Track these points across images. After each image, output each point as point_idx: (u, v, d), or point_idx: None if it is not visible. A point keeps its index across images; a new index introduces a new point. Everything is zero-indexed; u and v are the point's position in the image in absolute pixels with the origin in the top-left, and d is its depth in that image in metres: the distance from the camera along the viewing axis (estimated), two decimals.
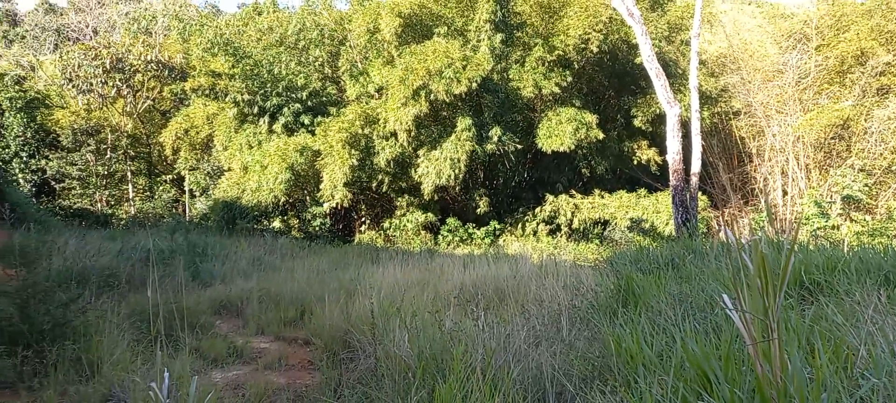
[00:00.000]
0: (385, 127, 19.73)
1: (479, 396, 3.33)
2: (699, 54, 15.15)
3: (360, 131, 20.02)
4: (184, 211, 26.39)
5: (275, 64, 22.27)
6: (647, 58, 14.30)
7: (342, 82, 23.76)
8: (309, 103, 22.22)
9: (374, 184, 21.23)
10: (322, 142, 19.99)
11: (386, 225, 21.82)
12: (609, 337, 3.84)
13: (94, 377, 5.39)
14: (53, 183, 25.46)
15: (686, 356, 2.97)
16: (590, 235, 21.18)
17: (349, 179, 19.47)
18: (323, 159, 19.89)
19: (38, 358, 5.83)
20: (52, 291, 7.19)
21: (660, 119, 21.71)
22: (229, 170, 22.82)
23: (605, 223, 21.54)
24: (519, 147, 21.23)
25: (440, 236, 21.21)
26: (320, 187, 20.08)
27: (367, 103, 21.46)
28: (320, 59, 23.88)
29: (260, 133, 22.02)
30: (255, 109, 21.84)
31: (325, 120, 21.29)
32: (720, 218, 22.44)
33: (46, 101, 26.43)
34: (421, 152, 20.25)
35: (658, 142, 22.93)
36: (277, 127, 21.69)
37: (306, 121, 21.74)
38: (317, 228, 21.36)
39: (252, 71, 21.71)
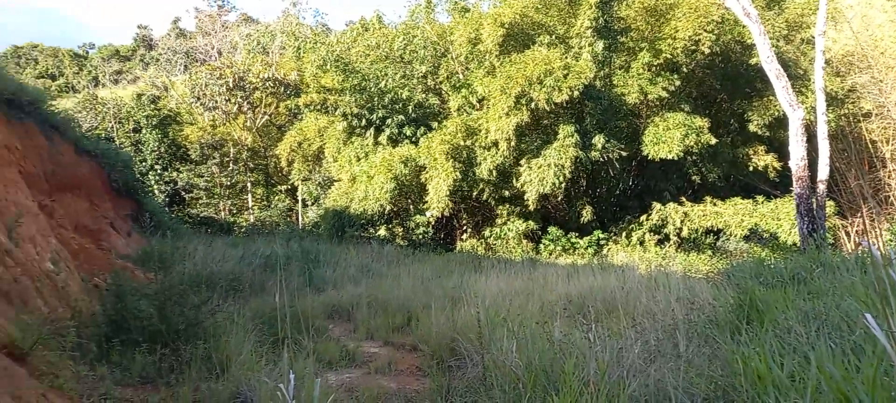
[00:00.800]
0: (486, 137, 19.87)
1: None
2: (823, 53, 14.02)
3: (461, 143, 20.30)
4: (297, 219, 27.89)
5: (381, 78, 23.09)
6: (766, 58, 13.44)
7: (444, 93, 24.23)
8: (412, 115, 22.84)
9: (474, 193, 21.42)
10: (426, 155, 20.46)
11: (487, 233, 21.91)
12: (733, 355, 3.65)
13: (223, 375, 5.79)
14: (183, 193, 27.79)
15: (823, 378, 2.77)
16: (701, 245, 20.12)
17: (453, 190, 19.78)
18: (427, 172, 20.34)
19: (174, 356, 6.33)
20: (186, 294, 7.85)
21: (778, 123, 20.26)
22: (338, 180, 23.86)
23: (718, 232, 20.39)
24: (623, 154, 20.62)
25: (542, 245, 21.00)
26: (425, 199, 20.53)
27: (468, 114, 21.72)
28: (423, 72, 24.47)
29: (366, 145, 22.88)
30: (363, 122, 22.74)
31: (429, 133, 21.76)
32: (849, 228, 20.58)
33: (177, 119, 28.94)
34: (522, 161, 20.20)
35: (776, 146, 21.39)
36: (383, 138, 22.45)
37: (409, 133, 22.35)
38: (420, 236, 21.86)
39: (359, 85, 22.64)
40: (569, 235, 21.04)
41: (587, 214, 21.36)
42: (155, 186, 26.62)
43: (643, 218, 20.99)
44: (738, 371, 3.54)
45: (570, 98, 18.73)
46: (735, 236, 19.23)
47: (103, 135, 24.09)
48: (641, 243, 20.18)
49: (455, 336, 6.94)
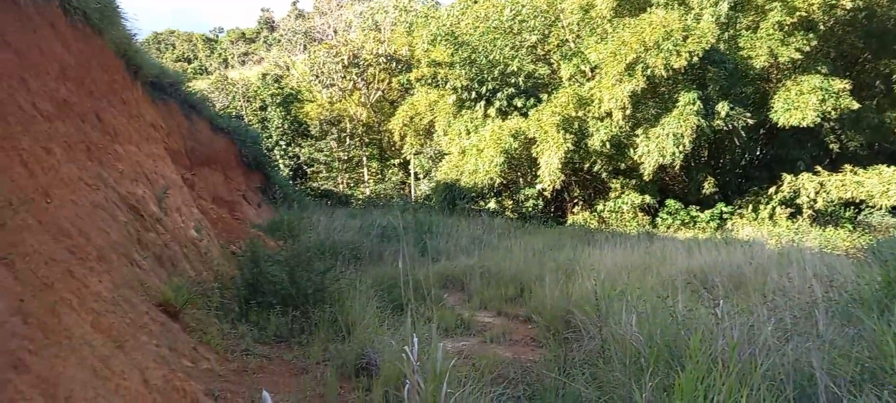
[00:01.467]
0: (599, 107, 19.26)
1: (723, 390, 3.14)
2: None
3: (573, 114, 19.81)
4: (410, 192, 28.70)
5: (490, 50, 22.99)
6: None
7: (554, 63, 23.71)
8: (522, 86, 22.59)
9: (586, 166, 20.91)
10: (536, 128, 20.20)
11: (599, 206, 21.37)
12: (883, 336, 3.34)
13: (348, 337, 6.12)
14: (305, 167, 29.43)
15: None
16: (839, 219, 18.40)
17: (564, 162, 19.43)
18: (538, 145, 20.09)
19: (303, 318, 6.79)
20: (312, 261, 8.35)
21: None
22: (449, 153, 24.21)
23: (859, 205, 18.53)
24: (750, 122, 19.23)
25: (659, 219, 20.17)
26: (535, 171, 20.33)
27: (579, 84, 21.14)
28: (532, 42, 24.06)
29: (476, 118, 22.97)
30: (472, 95, 22.82)
31: (538, 105, 21.44)
32: None
33: (298, 96, 30.55)
34: (638, 131, 19.40)
35: None
36: (492, 111, 22.42)
37: (519, 104, 22.14)
38: (530, 209, 21.74)
39: (469, 58, 22.69)
40: (688, 208, 20.05)
41: (709, 186, 20.22)
42: (280, 161, 28.35)
43: (772, 190, 19.52)
44: (889, 352, 3.24)
45: (689, 63, 17.67)
46: (879, 208, 17.40)
47: (234, 113, 25.96)
48: (771, 217, 18.79)
49: (570, 309, 6.88)
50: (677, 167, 19.97)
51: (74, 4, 7.44)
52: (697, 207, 20.09)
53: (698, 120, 18.08)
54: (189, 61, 60.72)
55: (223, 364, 5.28)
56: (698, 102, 18.22)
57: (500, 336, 7.22)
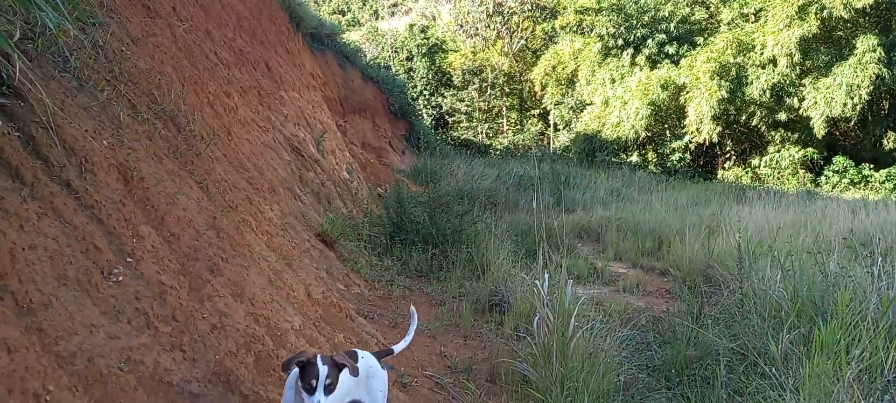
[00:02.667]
0: (761, 53, 17.61)
1: (867, 345, 2.99)
2: None
3: (730, 60, 18.30)
4: (548, 143, 28.43)
5: None
6: None
7: (711, 6, 21.92)
8: (674, 32, 21.21)
9: (743, 118, 19.33)
10: (687, 74, 18.97)
11: (755, 162, 19.76)
12: None
13: (483, 275, 6.45)
14: (447, 117, 30.17)
15: None
16: None
17: (716, 112, 18.12)
18: (688, 92, 18.90)
19: (442, 256, 7.24)
20: (451, 204, 8.78)
21: None
22: (591, 104, 23.55)
23: None
24: None
25: (823, 177, 18.25)
26: (683, 123, 19.20)
27: (740, 27, 19.39)
28: None
29: (622, 66, 22.03)
30: (619, 42, 21.87)
31: (692, 51, 20.04)
32: None
33: (443, 46, 31.10)
34: (806, 81, 17.52)
35: None
36: (640, 59, 21.36)
37: (671, 52, 20.86)
38: (676, 163, 20.68)
39: (617, 4, 21.68)
40: (860, 167, 17.89)
41: (889, 142, 17.87)
42: (423, 110, 29.27)
43: None
44: None
45: (874, 3, 15.52)
46: None
47: (382, 63, 27.15)
48: None
49: (710, 264, 6.66)
50: (852, 121, 17.81)
51: None
52: (872, 165, 17.85)
53: (879, 69, 15.92)
54: (343, 13, 63.71)
55: (371, 291, 5.85)
56: (880, 49, 16.01)
57: (633, 287, 7.17)
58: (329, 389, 2.02)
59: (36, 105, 2.34)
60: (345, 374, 2.25)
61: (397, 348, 2.90)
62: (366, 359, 2.55)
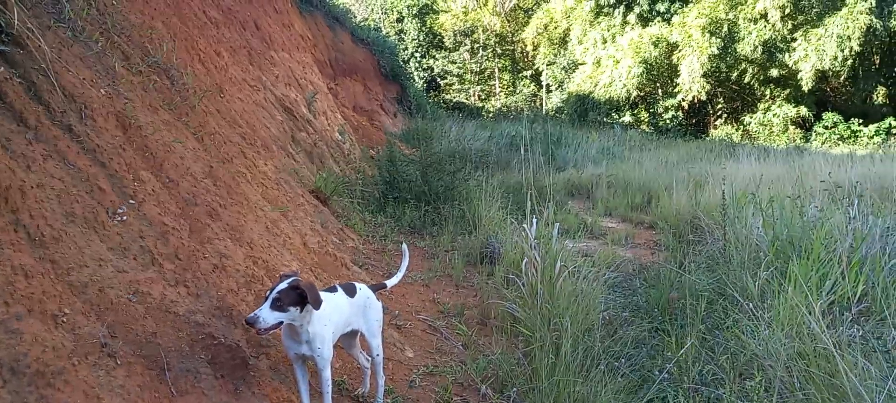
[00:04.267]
0: (753, 7, 17.56)
1: (838, 278, 3.15)
2: None
3: (722, 16, 18.26)
4: (541, 104, 28.42)
5: None
6: None
7: None
8: None
9: (734, 74, 19.38)
10: (679, 31, 18.93)
11: (746, 119, 19.89)
12: None
13: (475, 230, 6.60)
14: (438, 79, 30.04)
15: None
16: None
17: (707, 70, 18.15)
18: (680, 50, 18.89)
19: (435, 213, 7.37)
20: (443, 163, 8.89)
21: None
22: (583, 64, 23.50)
23: None
24: None
25: (813, 133, 18.42)
26: (675, 81, 19.23)
27: None
28: None
29: (614, 26, 21.94)
30: (611, 1, 21.73)
31: (683, 8, 19.96)
32: None
33: (433, 7, 30.78)
34: (798, 34, 17.52)
35: None
36: (632, 17, 21.27)
37: (663, 9, 20.77)
38: (667, 122, 20.78)
39: None
40: (849, 122, 18.06)
41: (879, 97, 18.00)
42: (415, 73, 29.11)
43: None
44: None
45: None
46: None
47: (373, 25, 26.90)
48: None
49: (697, 215, 6.82)
50: (842, 76, 17.89)
51: None
52: (861, 120, 18.02)
53: (869, 19, 15.94)
54: None
55: (365, 245, 5.98)
56: (871, 0, 16.02)
57: (622, 240, 7.34)
58: (276, 304, 2.09)
59: (35, 52, 2.41)
60: (343, 302, 2.38)
61: (390, 282, 3.08)
62: (363, 291, 2.72)
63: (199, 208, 2.98)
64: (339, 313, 2.46)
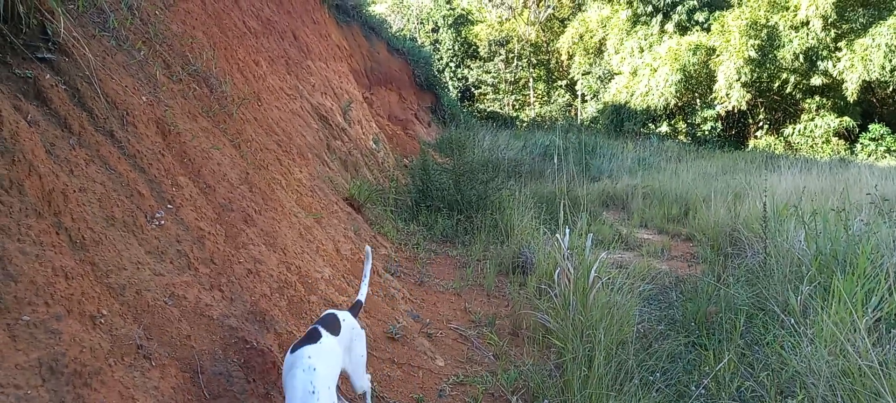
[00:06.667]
0: (795, 15, 17.12)
1: (885, 294, 3.02)
2: None
3: (762, 20, 17.83)
4: (575, 114, 28.19)
5: None
6: None
7: None
8: None
9: (775, 84, 18.89)
10: (718, 35, 18.56)
11: (788, 130, 19.35)
12: None
13: (507, 240, 6.56)
14: (473, 89, 30.09)
15: None
16: None
17: (747, 78, 17.74)
18: (718, 55, 18.51)
19: (467, 222, 7.36)
20: (476, 173, 8.88)
21: None
22: (619, 73, 23.25)
23: None
24: None
25: (859, 145, 17.81)
26: (713, 89, 18.85)
27: None
28: None
29: (651, 35, 21.66)
30: (648, 9, 21.48)
31: (724, 13, 19.58)
32: None
33: (469, 17, 30.90)
34: (842, 44, 17.00)
35: None
36: (669, 26, 20.97)
37: (701, 19, 20.42)
38: (706, 132, 20.37)
39: None
40: None
41: None
42: (449, 82, 29.23)
43: None
44: None
45: None
46: None
47: (408, 35, 27.13)
48: None
49: (736, 227, 6.65)
50: (890, 87, 17.28)
51: None
52: None
53: None
54: None
55: (398, 253, 5.99)
56: None
57: (658, 252, 7.20)
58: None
59: (80, 60, 2.49)
60: (331, 347, 2.11)
61: (362, 295, 2.68)
62: (347, 321, 2.34)
63: (234, 213, 3.03)
64: (330, 364, 2.08)
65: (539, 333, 3.79)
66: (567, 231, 3.94)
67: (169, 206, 2.55)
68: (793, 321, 3.25)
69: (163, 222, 2.43)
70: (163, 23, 3.76)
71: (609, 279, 4.07)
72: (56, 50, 2.44)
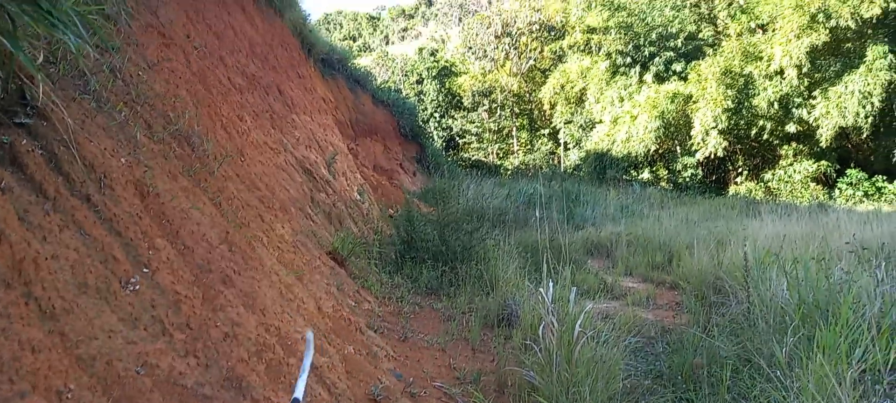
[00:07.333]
0: (769, 65, 17.65)
1: (871, 346, 3.02)
2: None
3: (737, 69, 18.36)
4: (559, 162, 28.53)
5: (648, 12, 21.97)
6: None
7: (719, 23, 22.06)
8: (682, 50, 21.35)
9: (752, 132, 19.32)
10: (694, 84, 19.05)
11: (766, 176, 19.70)
12: None
13: (492, 291, 6.52)
14: (457, 138, 30.41)
15: None
16: None
17: (724, 125, 18.13)
18: (694, 102, 18.96)
19: (452, 273, 7.31)
20: (461, 223, 8.88)
21: None
22: (600, 122, 23.67)
23: None
24: None
25: (837, 189, 18.16)
26: (691, 134, 19.22)
27: (747, 41, 19.51)
28: (696, 0, 22.56)
29: (630, 85, 22.16)
30: (627, 61, 22.03)
31: (700, 63, 20.16)
32: None
33: (452, 69, 31.47)
34: (816, 92, 17.50)
35: None
36: (647, 77, 21.49)
37: (678, 69, 20.98)
38: (686, 179, 20.66)
39: (625, 23, 21.87)
40: (874, 179, 17.79)
41: None
42: (434, 132, 29.55)
43: None
44: None
45: (884, 10, 15.54)
46: None
47: (393, 87, 27.49)
48: None
49: (719, 276, 6.67)
50: (864, 133, 17.73)
51: None
52: (886, 177, 17.75)
53: (891, 75, 15.90)
54: (354, 39, 64.84)
55: (381, 307, 5.92)
56: (891, 56, 16.01)
57: (643, 301, 7.19)
58: None
59: (58, 124, 2.47)
60: None
61: (298, 392, 2.04)
62: None
63: (213, 275, 2.98)
64: None
65: (525, 390, 3.73)
66: (550, 284, 3.92)
67: (145, 270, 2.51)
68: (779, 373, 3.23)
69: (138, 287, 2.38)
70: (146, 83, 3.78)
71: (594, 332, 4.04)
72: (34, 114, 2.43)
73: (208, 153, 4.16)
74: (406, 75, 31.28)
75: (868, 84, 16.01)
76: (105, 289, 2.21)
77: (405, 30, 64.33)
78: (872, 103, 16.03)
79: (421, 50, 31.89)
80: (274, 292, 3.52)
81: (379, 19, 76.45)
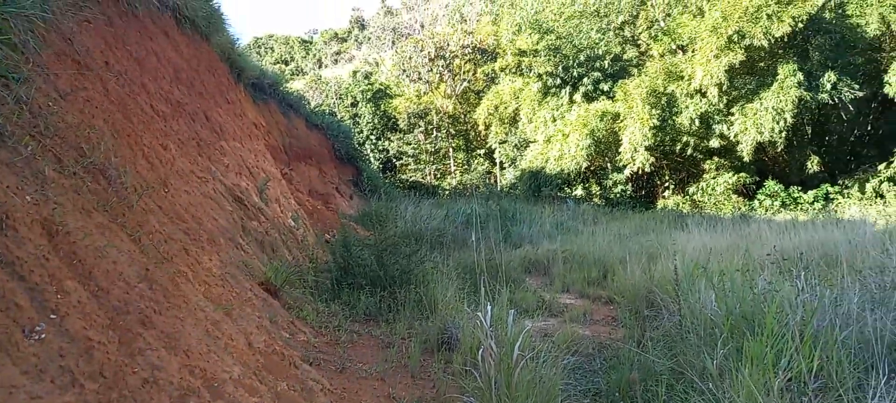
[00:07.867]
0: (689, 84, 18.57)
1: (794, 354, 3.15)
2: None
3: (660, 89, 19.21)
4: (495, 181, 28.89)
5: (575, 35, 22.71)
6: None
7: (642, 44, 23.07)
8: (609, 70, 22.17)
9: (677, 147, 20.23)
10: (622, 103, 19.79)
11: (692, 189, 20.62)
12: None
13: (432, 315, 6.45)
14: (394, 160, 30.33)
15: None
16: None
17: (651, 142, 18.88)
18: (622, 120, 19.69)
19: (391, 298, 7.19)
20: (399, 246, 8.78)
21: None
22: (534, 141, 24.17)
23: None
24: (859, 94, 17.86)
25: (756, 200, 19.20)
26: (620, 151, 19.91)
27: (670, 61, 20.48)
28: (620, 23, 23.51)
29: (561, 105, 22.78)
30: (557, 82, 22.65)
31: (625, 81, 20.98)
32: None
33: (387, 91, 31.47)
34: (734, 109, 18.52)
35: None
36: (577, 96, 22.16)
37: (606, 89, 21.75)
38: (618, 195, 21.34)
39: (554, 45, 22.52)
40: (790, 190, 18.93)
41: (813, 165, 19.01)
42: (371, 154, 29.37)
43: (882, 166, 18.02)
44: None
45: (792, 31, 16.65)
46: None
47: (327, 110, 27.18)
48: (882, 196, 17.36)
49: (652, 289, 6.86)
50: (779, 146, 18.85)
51: (185, 13, 8.20)
52: (800, 188, 18.93)
53: (800, 92, 17.01)
54: (286, 63, 63.88)
55: (317, 337, 5.75)
56: (799, 74, 17.15)
57: (580, 317, 7.30)
58: None
59: None
60: None
61: None
62: None
63: (130, 316, 2.80)
64: None
65: None
66: (488, 308, 3.91)
67: (52, 317, 2.31)
68: (711, 386, 3.31)
69: (43, 336, 2.19)
70: (57, 114, 3.54)
71: (533, 353, 4.04)
72: None
73: (127, 185, 3.94)
74: (340, 98, 31.05)
75: (780, 101, 17.07)
76: (6, 341, 2.02)
77: (338, 53, 63.92)
78: (785, 119, 17.09)
79: (355, 73, 31.79)
80: (199, 330, 3.34)
81: (311, 43, 75.72)
